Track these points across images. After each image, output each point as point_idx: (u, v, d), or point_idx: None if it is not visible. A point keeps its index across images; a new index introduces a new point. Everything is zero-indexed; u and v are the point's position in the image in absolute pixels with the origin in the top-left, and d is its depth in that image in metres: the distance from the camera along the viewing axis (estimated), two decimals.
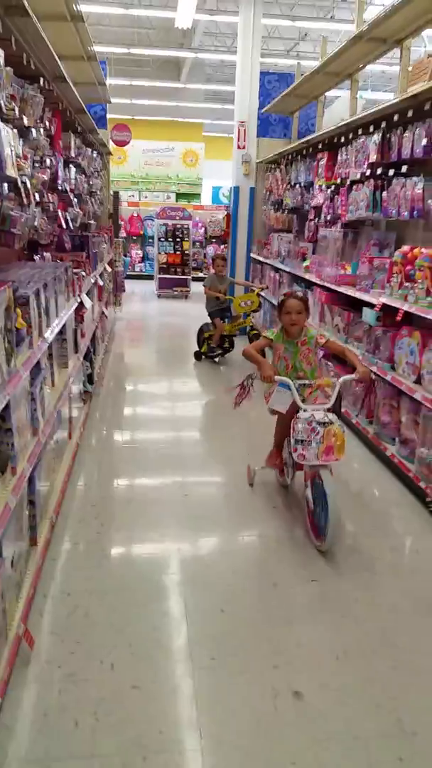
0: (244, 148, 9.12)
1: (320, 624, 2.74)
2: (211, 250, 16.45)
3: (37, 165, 3.78)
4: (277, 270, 8.19)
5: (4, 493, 2.09)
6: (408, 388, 4.04)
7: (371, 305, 4.71)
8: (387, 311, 4.47)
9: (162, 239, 14.13)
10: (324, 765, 2.02)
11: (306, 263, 6.85)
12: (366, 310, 4.83)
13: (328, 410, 3.37)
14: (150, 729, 2.14)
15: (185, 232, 14.13)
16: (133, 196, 18.28)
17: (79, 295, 4.34)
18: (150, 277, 15.61)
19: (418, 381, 4.00)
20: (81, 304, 4.44)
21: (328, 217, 6.34)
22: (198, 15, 11.66)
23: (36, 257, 4.32)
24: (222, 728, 2.16)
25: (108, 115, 9.17)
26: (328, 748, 2.08)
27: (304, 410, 3.33)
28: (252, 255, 9.57)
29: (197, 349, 7.67)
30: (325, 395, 3.57)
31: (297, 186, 7.54)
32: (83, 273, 4.59)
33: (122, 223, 14.18)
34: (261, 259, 9.12)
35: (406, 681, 2.41)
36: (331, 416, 3.30)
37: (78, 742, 2.07)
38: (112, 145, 11.65)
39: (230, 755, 2.05)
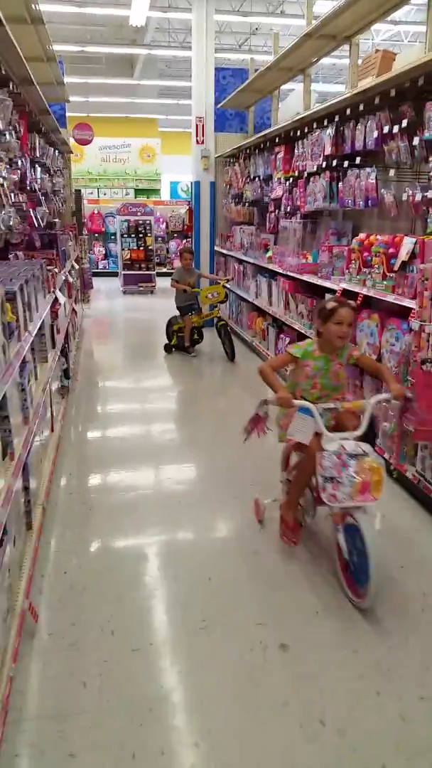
0: (202, 143, 9.29)
1: (300, 586, 2.98)
2: (173, 245, 16.58)
3: (7, 167, 3.91)
4: (240, 261, 8.41)
5: (6, 476, 2.25)
6: None
7: (332, 291, 4.96)
8: (347, 296, 4.72)
9: (124, 235, 14.20)
10: (311, 702, 2.25)
11: (269, 254, 7.08)
12: (328, 296, 5.09)
13: (360, 438, 2.85)
14: (152, 685, 2.34)
15: (148, 227, 14.23)
16: (92, 193, 18.29)
17: (53, 291, 4.48)
18: (114, 274, 15.67)
19: (379, 360, 4.27)
20: (55, 300, 4.59)
21: (288, 209, 6.57)
22: (151, 12, 11.77)
23: (9, 256, 4.44)
24: (217, 679, 2.37)
25: (66, 114, 9.24)
26: (314, 687, 2.32)
27: (332, 440, 2.81)
28: (216, 248, 9.77)
29: (167, 341, 7.84)
30: (355, 420, 3.00)
31: (256, 179, 7.76)
32: (56, 270, 4.73)
33: (84, 220, 14.20)
34: (225, 251, 9.33)
35: (374, 622, 2.65)
36: (365, 446, 2.79)
37: (87, 700, 2.26)
38: (72, 143, 11.69)
39: (226, 702, 2.26)
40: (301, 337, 5.94)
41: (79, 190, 11.03)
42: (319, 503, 3.09)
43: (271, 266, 6.84)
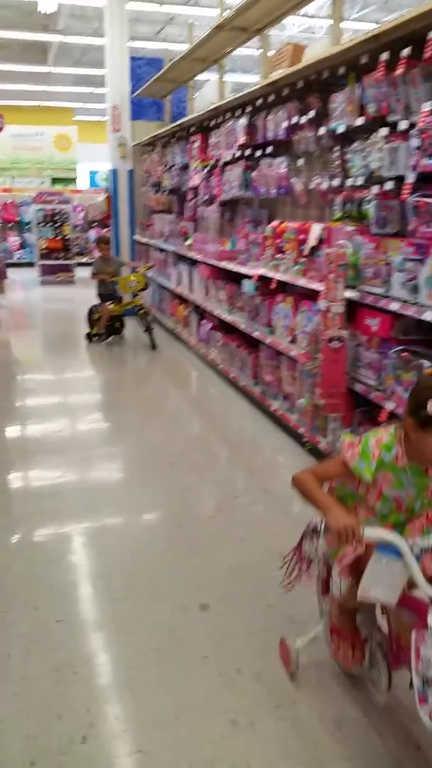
0: (119, 131, 9.26)
1: (219, 549, 3.12)
2: (93, 234, 16.37)
3: None
4: (161, 250, 8.47)
5: None
6: (285, 348, 4.51)
7: (249, 277, 5.13)
8: (263, 281, 4.92)
9: (41, 225, 13.91)
10: (227, 651, 2.40)
11: (188, 242, 7.19)
12: (245, 282, 5.26)
13: None
14: (77, 651, 2.41)
15: (65, 216, 13.99)
16: (5, 181, 17.76)
17: None
18: (30, 265, 15.31)
19: (293, 341, 4.48)
20: None
21: (206, 197, 6.70)
22: None
23: None
24: (139, 641, 2.48)
25: None
26: (231, 640, 2.47)
27: None
28: (136, 237, 9.78)
29: (89, 331, 7.80)
30: None
31: (174, 168, 7.83)
32: None
33: None
34: (145, 240, 9.35)
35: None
36: None
37: (13, 670, 2.31)
38: None
39: (148, 659, 2.38)
40: (225, 326, 6.11)
41: None
42: (395, 666, 1.88)
43: (191, 254, 6.95)
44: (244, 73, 17.40)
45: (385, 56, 3.31)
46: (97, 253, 8.19)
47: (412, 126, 3.13)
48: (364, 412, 3.59)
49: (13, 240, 16.36)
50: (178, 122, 7.44)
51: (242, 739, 2.02)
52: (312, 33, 15.48)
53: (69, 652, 2.40)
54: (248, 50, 11.51)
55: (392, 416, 3.24)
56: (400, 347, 3.15)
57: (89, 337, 7.75)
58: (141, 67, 9.42)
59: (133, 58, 9.28)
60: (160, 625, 2.57)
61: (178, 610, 2.66)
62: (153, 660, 2.37)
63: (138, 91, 8.97)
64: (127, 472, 4.20)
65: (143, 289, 7.75)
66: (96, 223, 16.62)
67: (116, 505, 3.67)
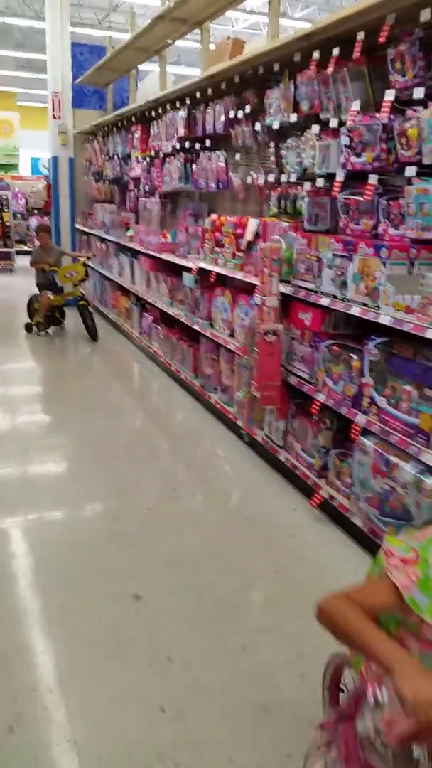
0: (59, 118, 9.08)
1: (155, 541, 3.16)
2: (33, 221, 16.00)
3: None
4: (103, 240, 8.38)
5: None
6: (224, 341, 4.56)
7: (189, 269, 5.15)
8: (203, 274, 4.95)
9: None
10: (159, 640, 2.44)
11: (130, 233, 7.14)
12: (185, 275, 5.28)
13: None
14: (8, 643, 2.40)
15: (4, 203, 13.62)
16: None
17: None
18: None
19: (232, 334, 4.53)
20: None
21: (147, 188, 6.67)
22: None
23: None
24: (72, 631, 2.49)
25: None
26: (162, 629, 2.51)
27: None
28: (77, 226, 9.63)
29: (28, 321, 7.66)
30: None
31: (115, 157, 7.76)
32: None
33: None
34: (86, 230, 9.23)
35: (221, 567, 2.90)
36: None
37: None
38: None
39: (79, 650, 2.39)
40: (166, 318, 6.11)
41: None
42: None
43: (132, 245, 6.91)
44: (188, 66, 17.34)
45: (316, 55, 3.38)
46: (37, 242, 8.02)
47: (342, 124, 3.21)
48: (298, 404, 3.68)
49: None
50: (119, 111, 7.36)
51: (171, 726, 2.06)
52: (258, 30, 15.56)
53: (1, 644, 2.39)
54: (194, 43, 11.46)
55: (323, 408, 3.34)
56: (331, 341, 3.24)
57: (29, 327, 7.61)
58: (83, 54, 9.26)
59: (75, 45, 9.10)
60: (93, 615, 2.58)
61: (110, 600, 2.68)
62: (84, 651, 2.39)
63: (80, 79, 8.82)
64: (66, 464, 4.17)
65: (83, 280, 7.65)
66: (37, 211, 16.27)
67: (54, 498, 3.64)
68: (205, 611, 2.63)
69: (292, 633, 2.49)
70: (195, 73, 5.17)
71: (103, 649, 2.40)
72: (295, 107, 3.70)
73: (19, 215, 15.77)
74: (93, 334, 7.27)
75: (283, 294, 3.59)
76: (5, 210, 13.64)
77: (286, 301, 3.64)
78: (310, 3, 13.58)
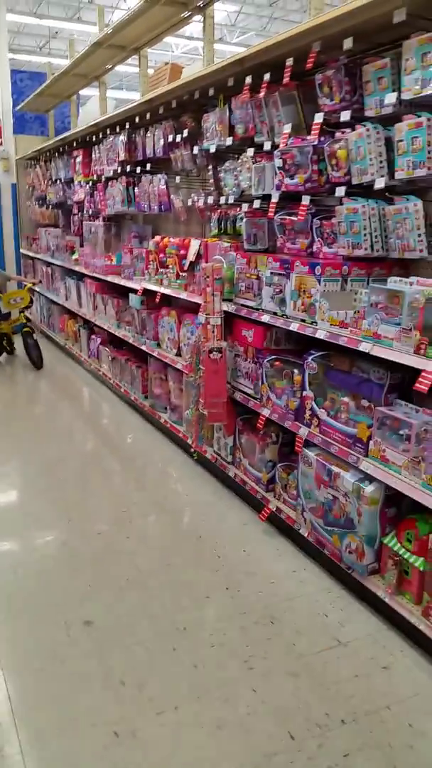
0: (0, 145, 9.04)
1: (106, 564, 3.13)
2: None
3: None
4: (48, 264, 8.34)
5: None
6: (171, 360, 4.59)
7: (135, 291, 5.18)
8: (148, 295, 4.98)
9: None
10: (111, 668, 2.41)
11: (75, 256, 7.13)
12: (131, 296, 5.30)
13: None
14: None
15: None
16: None
17: None
18: None
19: (179, 353, 4.56)
20: None
21: (90, 212, 6.69)
22: None
23: None
24: (21, 662, 2.44)
25: None
26: (115, 654, 2.48)
27: None
28: (23, 250, 9.56)
29: None
30: None
31: (58, 182, 7.76)
32: None
33: None
34: (32, 254, 9.17)
35: (173, 587, 2.90)
36: None
37: None
38: None
39: (30, 679, 2.34)
40: (114, 340, 6.10)
41: None
42: None
43: (78, 268, 6.90)
44: (130, 90, 17.56)
45: (248, 80, 3.49)
46: None
47: (275, 147, 3.31)
48: (245, 420, 3.72)
49: None
50: (61, 136, 7.38)
51: (124, 748, 2.04)
52: (197, 55, 15.89)
53: None
54: (134, 68, 11.62)
55: (268, 422, 3.39)
56: (273, 357, 3.31)
57: None
58: (23, 80, 9.28)
59: (14, 71, 9.11)
60: (43, 644, 2.54)
61: (61, 627, 2.63)
62: (35, 679, 2.34)
63: (20, 106, 8.82)
64: (15, 491, 4.10)
65: (28, 307, 7.56)
66: None
67: (1, 526, 3.57)
68: (157, 632, 2.62)
69: (241, 647, 2.50)
70: (137, 98, 5.24)
71: (55, 676, 2.36)
72: (231, 131, 3.80)
73: None
74: (37, 363, 7.14)
75: (226, 312, 3.65)
76: None
77: (229, 319, 3.70)
78: (248, 29, 13.99)
